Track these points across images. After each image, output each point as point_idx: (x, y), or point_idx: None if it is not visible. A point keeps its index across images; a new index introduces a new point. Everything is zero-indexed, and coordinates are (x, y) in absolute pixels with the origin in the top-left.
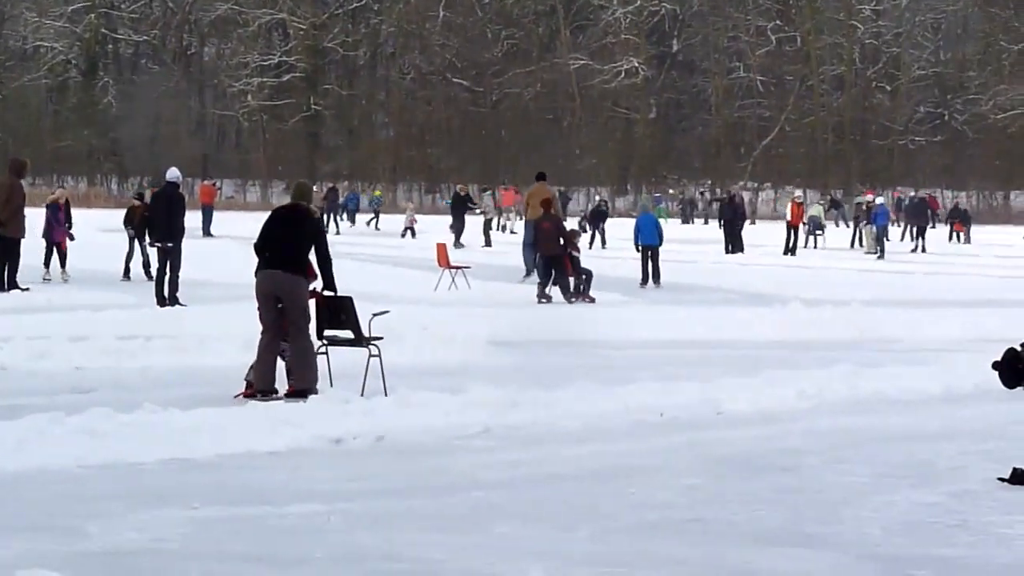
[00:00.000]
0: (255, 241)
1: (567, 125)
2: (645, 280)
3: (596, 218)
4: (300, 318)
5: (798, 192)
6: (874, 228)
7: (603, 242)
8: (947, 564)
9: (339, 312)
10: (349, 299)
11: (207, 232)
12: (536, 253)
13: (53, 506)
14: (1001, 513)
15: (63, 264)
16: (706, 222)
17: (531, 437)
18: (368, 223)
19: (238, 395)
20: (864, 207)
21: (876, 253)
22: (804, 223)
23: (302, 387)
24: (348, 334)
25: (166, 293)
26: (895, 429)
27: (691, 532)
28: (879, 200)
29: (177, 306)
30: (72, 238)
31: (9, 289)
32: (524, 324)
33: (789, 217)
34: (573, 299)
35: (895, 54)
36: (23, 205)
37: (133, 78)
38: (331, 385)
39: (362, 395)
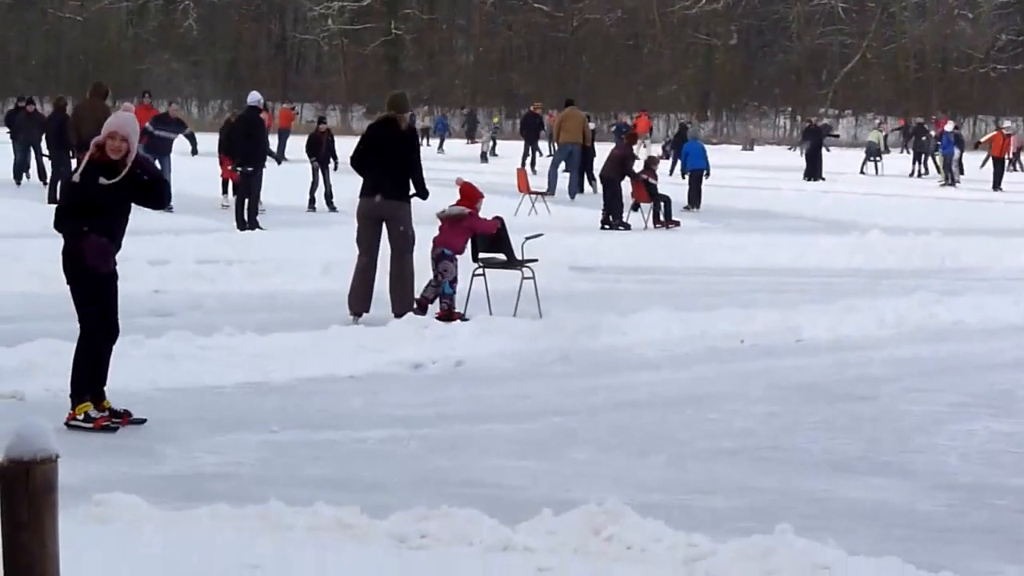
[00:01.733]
0: (351, 156)
1: (647, 51)
2: (692, 205)
3: (679, 141)
4: (402, 242)
5: (1007, 123)
6: (942, 156)
7: (683, 171)
8: None
9: (495, 236)
10: (501, 221)
11: (283, 157)
12: (569, 176)
13: (130, 429)
14: None
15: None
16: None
17: (609, 363)
18: (491, 152)
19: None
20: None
21: (947, 181)
22: (1011, 156)
23: (399, 311)
24: (502, 257)
25: (246, 217)
26: (974, 358)
27: (768, 460)
28: (948, 127)
29: (257, 230)
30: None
31: None
32: (603, 249)
33: (994, 150)
34: (654, 225)
35: None
36: None
37: (213, 1)
38: (490, 312)
39: (514, 315)
